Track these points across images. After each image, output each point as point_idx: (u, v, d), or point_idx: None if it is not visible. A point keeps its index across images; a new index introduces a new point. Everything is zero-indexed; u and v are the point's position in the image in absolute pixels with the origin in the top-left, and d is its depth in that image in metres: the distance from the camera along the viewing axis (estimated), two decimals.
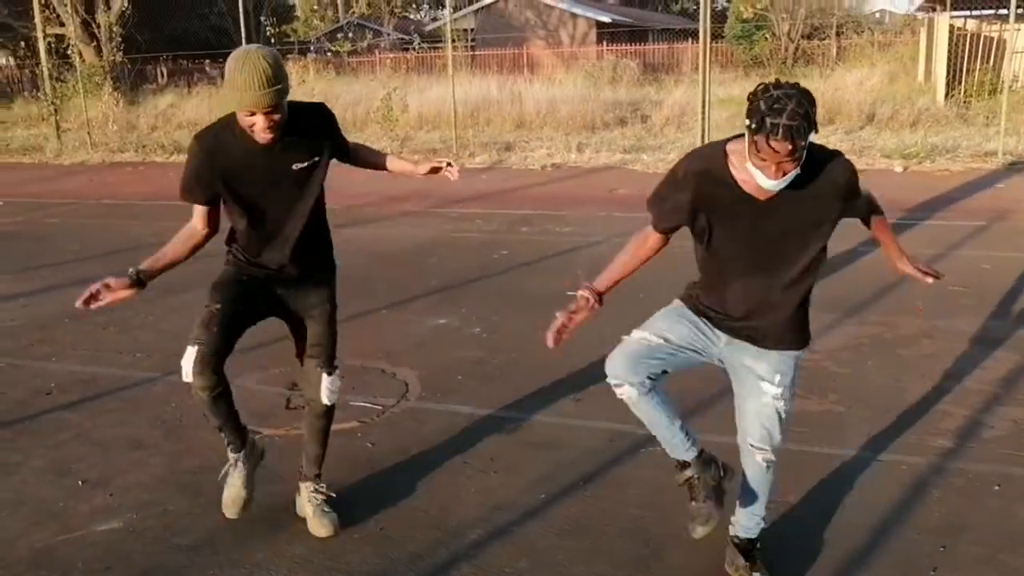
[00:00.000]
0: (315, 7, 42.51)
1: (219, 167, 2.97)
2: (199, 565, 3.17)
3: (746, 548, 3.00)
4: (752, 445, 2.86)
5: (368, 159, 3.46)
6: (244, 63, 2.75)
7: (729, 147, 2.60)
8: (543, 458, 3.89)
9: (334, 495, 3.42)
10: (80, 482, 3.82)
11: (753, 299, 2.73)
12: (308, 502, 3.37)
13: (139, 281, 3.00)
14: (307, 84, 18.14)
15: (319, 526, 3.33)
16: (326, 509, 3.36)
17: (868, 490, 3.53)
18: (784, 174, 2.42)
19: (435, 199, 10.52)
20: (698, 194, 2.61)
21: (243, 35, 14.61)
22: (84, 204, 10.94)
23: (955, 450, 3.82)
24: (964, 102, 16.15)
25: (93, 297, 2.90)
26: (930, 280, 2.98)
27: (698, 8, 12.53)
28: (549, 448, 3.99)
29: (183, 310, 6.10)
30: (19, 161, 15.55)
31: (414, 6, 49.18)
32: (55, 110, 15.92)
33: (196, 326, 3.05)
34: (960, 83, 16.90)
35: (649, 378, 2.73)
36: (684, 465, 2.93)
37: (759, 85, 2.40)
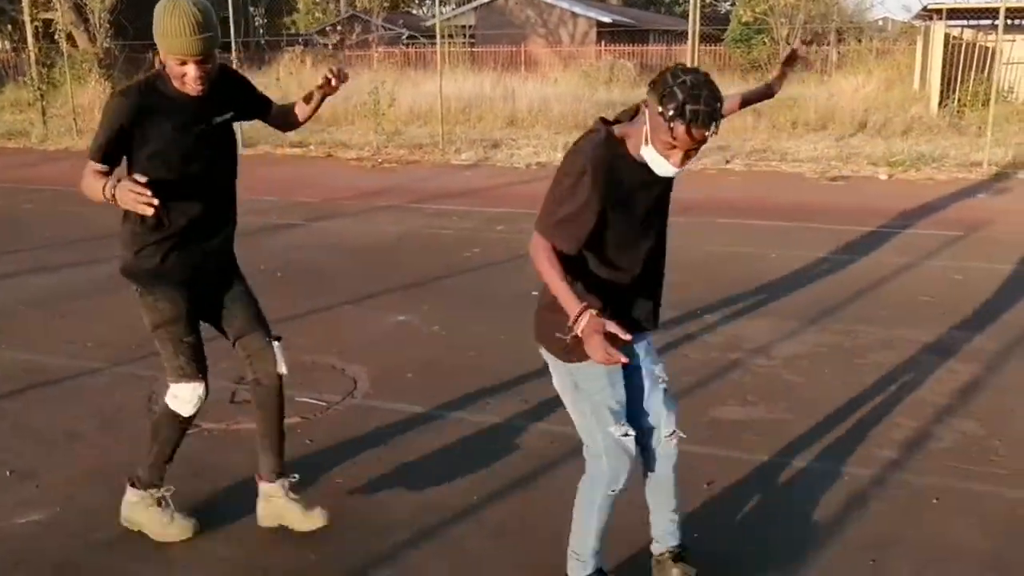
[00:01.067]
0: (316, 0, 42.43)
1: (147, 122, 2.83)
2: (114, 562, 3.11)
3: (682, 553, 2.93)
4: (674, 432, 2.79)
5: (292, 115, 3.35)
6: (173, 9, 2.70)
7: (619, 133, 2.48)
8: (482, 459, 3.83)
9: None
10: (8, 472, 3.75)
11: (651, 280, 2.67)
12: (291, 503, 3.25)
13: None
14: (296, 76, 18.04)
15: (315, 518, 3.22)
16: (310, 506, 3.27)
17: (806, 500, 3.47)
18: (688, 160, 2.39)
19: (414, 194, 10.45)
20: (606, 194, 2.43)
21: (231, 25, 14.54)
22: (63, 191, 10.85)
23: (899, 462, 3.76)
24: (957, 112, 16.09)
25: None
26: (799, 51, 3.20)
27: (702, 11, 12.47)
28: (489, 449, 3.92)
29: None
30: (3, 146, 15.49)
31: (416, 2, 49.13)
32: (41, 95, 15.85)
33: (184, 359, 3.09)
34: (954, 92, 16.84)
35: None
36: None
37: (665, 71, 2.33)
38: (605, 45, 31.08)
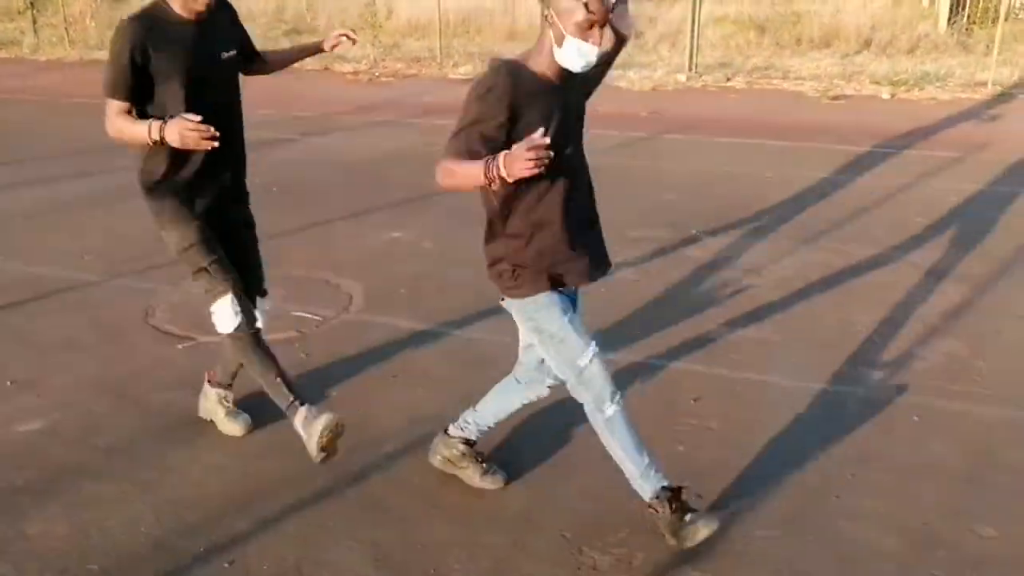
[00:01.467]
0: None
1: (155, 51, 2.83)
2: (113, 467, 3.20)
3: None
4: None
5: (281, 59, 3.46)
6: None
7: (519, 58, 2.54)
8: (473, 374, 3.89)
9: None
10: (9, 382, 3.83)
11: (586, 211, 2.71)
12: (219, 404, 3.42)
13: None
14: None
15: (234, 427, 3.39)
16: (238, 411, 3.42)
17: (790, 416, 3.55)
18: (601, 38, 2.45)
19: (410, 109, 10.33)
20: (514, 103, 2.42)
21: None
22: (54, 103, 10.74)
23: (883, 380, 3.83)
24: (966, 29, 15.77)
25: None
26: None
27: None
28: (480, 365, 3.99)
29: (140, 214, 6.01)
30: None
31: None
32: (31, 3, 15.51)
33: (210, 278, 3.07)
34: (964, 9, 16.48)
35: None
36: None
37: None
38: None
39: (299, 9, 17.04)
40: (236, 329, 3.11)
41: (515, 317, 2.80)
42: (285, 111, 9.96)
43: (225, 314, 3.09)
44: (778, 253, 5.39)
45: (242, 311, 3.10)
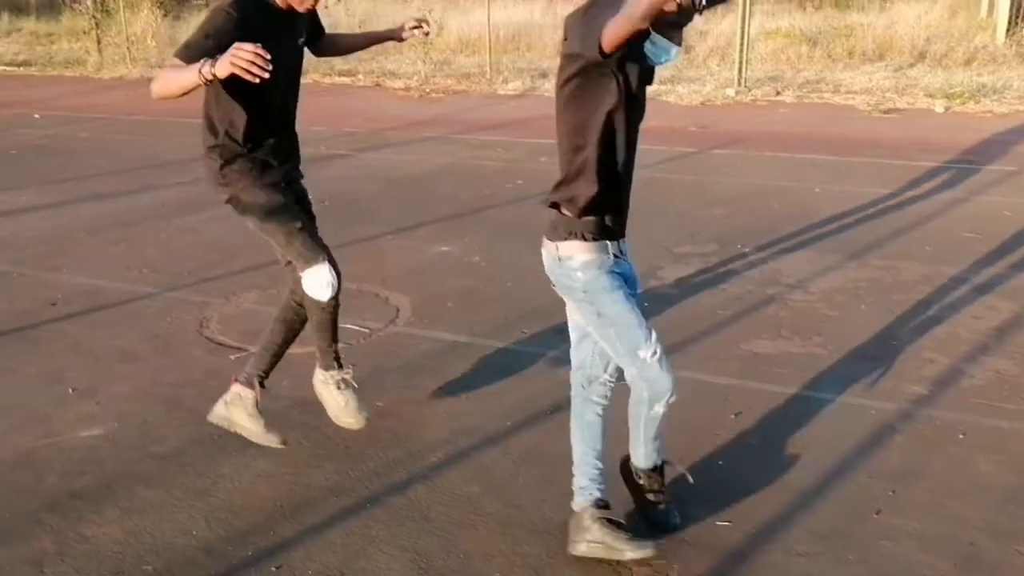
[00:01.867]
0: None
1: (254, 36, 2.73)
2: (167, 474, 3.31)
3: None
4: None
5: (352, 43, 3.61)
6: None
7: None
8: (516, 387, 3.95)
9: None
10: (70, 390, 3.98)
11: (631, 173, 2.75)
12: (255, 417, 3.42)
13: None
14: (344, 4, 17.92)
15: (272, 437, 3.43)
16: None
17: (832, 432, 3.53)
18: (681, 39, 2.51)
19: (460, 125, 10.46)
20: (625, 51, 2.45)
21: None
22: (116, 120, 11.10)
23: (929, 397, 3.80)
24: None
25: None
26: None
27: None
28: (524, 378, 4.05)
29: (196, 229, 6.24)
30: (61, 74, 15.78)
31: None
32: (96, 24, 16.05)
33: (302, 241, 3.15)
34: None
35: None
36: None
37: None
38: None
39: (351, 27, 17.33)
40: (331, 298, 3.17)
41: (571, 300, 2.79)
42: (337, 127, 10.16)
43: (323, 281, 3.13)
44: (825, 268, 5.36)
45: (338, 279, 3.16)
